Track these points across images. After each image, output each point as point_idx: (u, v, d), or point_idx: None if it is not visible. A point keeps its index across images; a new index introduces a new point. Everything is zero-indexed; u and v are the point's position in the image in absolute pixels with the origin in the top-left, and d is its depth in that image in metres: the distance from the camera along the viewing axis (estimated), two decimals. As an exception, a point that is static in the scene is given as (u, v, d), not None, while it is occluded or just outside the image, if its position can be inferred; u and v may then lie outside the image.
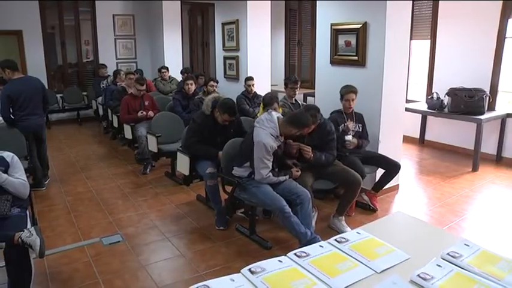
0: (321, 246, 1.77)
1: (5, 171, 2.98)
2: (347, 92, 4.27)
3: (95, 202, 4.85)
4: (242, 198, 3.65)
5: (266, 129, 3.44)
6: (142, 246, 3.77)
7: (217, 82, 6.27)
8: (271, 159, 3.45)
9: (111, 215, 4.45)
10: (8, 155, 3.08)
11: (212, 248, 3.69)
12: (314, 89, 5.94)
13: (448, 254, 1.67)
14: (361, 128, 4.41)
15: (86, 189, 5.29)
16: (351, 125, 4.29)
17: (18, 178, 3.04)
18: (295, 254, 1.70)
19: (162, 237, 3.91)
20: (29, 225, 2.96)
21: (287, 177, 3.58)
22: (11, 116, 5.00)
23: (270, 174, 3.47)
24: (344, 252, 1.72)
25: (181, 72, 8.07)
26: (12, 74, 5.00)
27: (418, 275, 1.52)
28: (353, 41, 4.68)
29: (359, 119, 4.42)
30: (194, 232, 4.02)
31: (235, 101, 4.68)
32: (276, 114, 3.56)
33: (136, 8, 10.73)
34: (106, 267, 3.40)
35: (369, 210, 4.43)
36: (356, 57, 4.67)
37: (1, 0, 8.82)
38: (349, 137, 4.24)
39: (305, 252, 1.70)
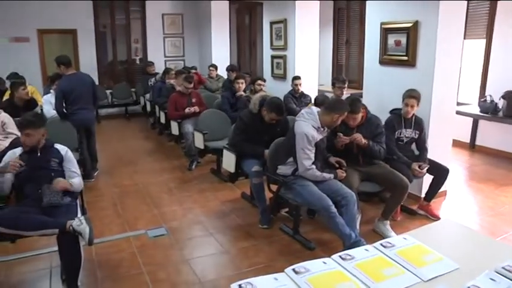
0: (366, 250, 1.75)
1: (60, 164, 3.14)
2: (407, 96, 4.09)
3: (141, 195, 4.99)
4: (287, 198, 3.64)
5: (307, 121, 3.46)
6: (186, 241, 3.85)
7: (264, 81, 6.27)
8: (313, 151, 3.45)
9: (157, 209, 4.56)
10: (62, 149, 3.24)
11: (255, 245, 3.70)
12: (361, 89, 5.85)
13: (503, 268, 1.58)
14: (417, 135, 4.20)
15: (133, 182, 5.46)
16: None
17: (73, 172, 3.21)
18: (339, 256, 1.68)
19: (206, 233, 3.97)
20: (79, 214, 3.08)
21: (331, 176, 3.55)
22: (64, 110, 5.25)
23: (313, 166, 3.46)
24: (390, 257, 1.68)
25: (227, 69, 8.13)
26: (66, 70, 5.27)
27: (469, 288, 1.45)
28: (403, 41, 4.56)
29: (418, 125, 4.20)
30: (238, 229, 4.05)
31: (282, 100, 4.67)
32: (316, 109, 3.57)
33: (185, 7, 10.93)
34: (150, 259, 3.49)
35: (415, 216, 4.30)
36: (406, 57, 4.54)
37: (59, 0, 9.26)
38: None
39: (350, 255, 1.68)
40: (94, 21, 10.14)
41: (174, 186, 5.28)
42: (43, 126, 3.18)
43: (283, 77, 7.40)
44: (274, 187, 3.81)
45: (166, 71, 8.33)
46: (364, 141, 3.69)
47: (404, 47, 4.55)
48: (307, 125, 3.43)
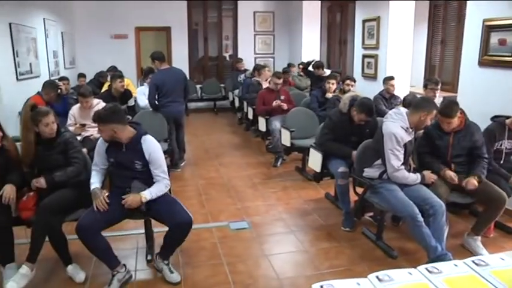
0: (455, 265, 1.64)
1: (144, 165, 3.08)
2: None
3: (226, 188, 5.13)
4: (372, 202, 3.54)
5: (395, 121, 3.34)
6: (267, 236, 3.89)
7: (354, 81, 6.10)
8: (402, 152, 3.32)
9: (240, 202, 4.67)
10: (147, 149, 3.07)
11: (336, 247, 3.65)
12: (456, 92, 5.50)
13: None
14: None
15: (218, 175, 5.63)
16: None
17: (158, 175, 3.11)
18: (426, 268, 1.59)
19: (288, 230, 3.99)
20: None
21: (419, 176, 3.40)
22: (156, 102, 5.56)
23: (403, 167, 3.33)
24: (483, 277, 1.55)
25: (314, 67, 8.05)
26: (160, 65, 5.62)
27: None
28: (509, 39, 4.15)
29: None
30: (320, 229, 4.02)
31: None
32: (404, 109, 3.43)
33: (277, 5, 11.05)
34: (231, 251, 3.59)
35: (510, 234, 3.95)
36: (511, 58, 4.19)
37: (156, 0, 9.88)
38: None
39: (437, 269, 1.59)
40: (187, 19, 10.63)
41: (258, 181, 5.36)
42: (113, 122, 2.97)
43: (373, 77, 7.19)
44: (359, 190, 3.72)
45: (256, 67, 8.46)
46: (476, 183, 3.40)
47: (510, 47, 4.17)
48: (396, 126, 3.31)
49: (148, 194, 3.00)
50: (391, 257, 3.46)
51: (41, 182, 3.11)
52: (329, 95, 5.96)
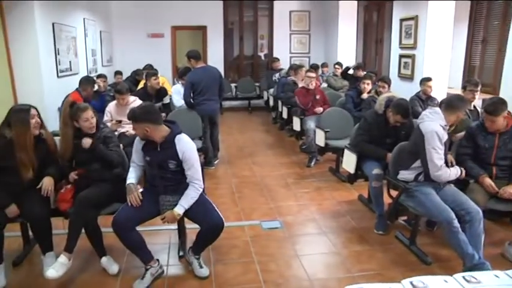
0: (496, 276, 1.58)
1: (178, 165, 3.09)
2: None
3: (259, 187, 5.14)
4: (407, 205, 3.46)
5: (433, 120, 3.29)
6: (299, 236, 3.88)
7: (386, 83, 5.82)
8: (443, 150, 3.27)
9: (273, 202, 4.67)
10: (180, 149, 3.07)
11: (368, 251, 3.60)
12: (497, 94, 5.30)
13: None
14: None
15: (251, 174, 5.65)
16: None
17: (191, 176, 3.09)
18: (463, 277, 1.55)
19: (320, 231, 3.96)
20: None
21: (458, 169, 3.34)
22: (191, 100, 5.63)
23: (444, 165, 3.27)
24: None
25: (353, 68, 7.97)
26: (195, 63, 5.68)
27: None
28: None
29: None
30: (352, 231, 3.97)
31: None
32: (437, 109, 3.39)
33: (313, 4, 10.99)
34: (262, 250, 3.59)
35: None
36: None
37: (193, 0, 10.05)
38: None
39: (475, 278, 1.55)
40: (223, 18, 10.73)
41: (291, 181, 5.34)
42: (146, 121, 2.98)
43: (410, 78, 7.03)
44: (393, 193, 3.67)
45: (293, 67, 8.43)
46: None
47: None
48: (435, 124, 3.25)
49: (181, 209, 3.04)
50: (425, 263, 3.37)
51: (87, 140, 3.24)
52: (364, 96, 5.87)
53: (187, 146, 3.08)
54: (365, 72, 7.11)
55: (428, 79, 5.79)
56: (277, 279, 3.16)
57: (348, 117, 5.68)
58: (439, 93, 6.21)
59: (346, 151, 4.42)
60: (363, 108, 5.57)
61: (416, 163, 3.40)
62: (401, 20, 7.21)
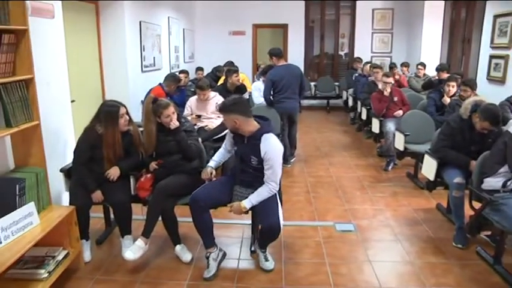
0: None
1: (260, 162, 3.11)
2: None
3: (334, 188, 5.11)
4: (491, 219, 3.18)
5: None
6: (373, 242, 3.80)
7: (469, 87, 5.16)
8: None
9: (347, 204, 4.62)
10: (264, 147, 3.05)
11: (444, 264, 3.40)
12: None
13: None
14: None
15: (327, 174, 5.62)
16: None
17: (268, 176, 3.09)
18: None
19: (394, 238, 3.85)
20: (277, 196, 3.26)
21: None
22: (271, 97, 5.69)
23: None
24: None
25: (437, 69, 7.59)
26: (277, 61, 5.77)
27: None
28: None
29: None
30: (428, 241, 3.79)
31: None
32: None
33: (397, 2, 10.65)
34: (334, 252, 3.57)
35: None
36: None
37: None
38: None
39: None
40: (305, 16, 10.73)
41: (367, 184, 5.25)
42: (235, 113, 3.03)
43: (501, 81, 6.53)
44: (476, 204, 3.43)
45: (372, 65, 8.24)
46: None
47: None
48: None
49: (248, 204, 3.10)
50: (511, 286, 3.08)
51: (175, 123, 3.44)
52: (447, 99, 5.55)
53: (270, 147, 3.05)
54: (449, 75, 6.75)
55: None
56: (347, 284, 3.13)
57: (430, 121, 5.44)
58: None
59: (426, 156, 4.23)
60: (446, 112, 5.28)
61: (503, 168, 3.18)
62: (496, 17, 6.70)
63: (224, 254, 3.35)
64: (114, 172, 3.39)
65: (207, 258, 3.22)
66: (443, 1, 9.31)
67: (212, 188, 3.26)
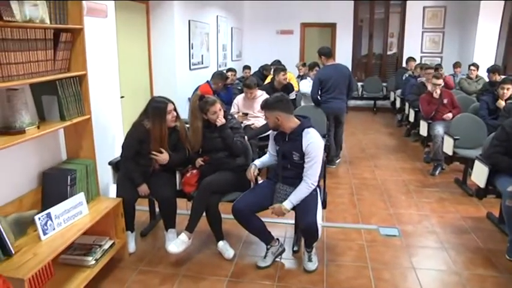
0: None
1: (301, 157, 3.13)
2: None
3: (379, 191, 5.02)
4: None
5: None
6: (417, 248, 3.70)
7: None
8: None
9: (392, 208, 4.53)
10: (306, 142, 3.10)
11: (495, 278, 3.21)
12: None
13: None
14: None
15: (372, 177, 5.53)
16: None
17: (308, 171, 3.11)
18: None
19: (440, 246, 3.73)
20: (319, 196, 3.26)
21: None
22: (318, 97, 5.64)
23: None
24: None
25: (488, 71, 7.26)
26: (326, 61, 5.71)
27: None
28: None
29: None
30: (476, 252, 3.62)
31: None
32: None
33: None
34: (377, 256, 3.51)
35: None
36: None
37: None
38: None
39: None
40: (353, 15, 10.58)
41: (413, 189, 5.12)
42: (277, 109, 3.09)
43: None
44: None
45: (422, 66, 8.02)
46: None
47: None
48: None
49: (289, 205, 3.12)
50: None
51: (221, 119, 3.49)
52: (502, 102, 5.30)
53: (313, 140, 3.10)
54: (504, 76, 6.44)
55: None
56: (390, 290, 3.06)
57: (481, 125, 5.24)
58: None
59: (476, 162, 4.06)
60: (501, 116, 5.05)
61: None
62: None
63: (283, 250, 3.43)
64: (163, 156, 3.44)
65: (267, 249, 3.34)
66: (503, 0, 8.87)
67: (252, 195, 3.30)
